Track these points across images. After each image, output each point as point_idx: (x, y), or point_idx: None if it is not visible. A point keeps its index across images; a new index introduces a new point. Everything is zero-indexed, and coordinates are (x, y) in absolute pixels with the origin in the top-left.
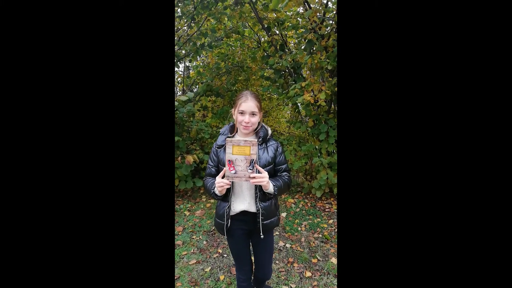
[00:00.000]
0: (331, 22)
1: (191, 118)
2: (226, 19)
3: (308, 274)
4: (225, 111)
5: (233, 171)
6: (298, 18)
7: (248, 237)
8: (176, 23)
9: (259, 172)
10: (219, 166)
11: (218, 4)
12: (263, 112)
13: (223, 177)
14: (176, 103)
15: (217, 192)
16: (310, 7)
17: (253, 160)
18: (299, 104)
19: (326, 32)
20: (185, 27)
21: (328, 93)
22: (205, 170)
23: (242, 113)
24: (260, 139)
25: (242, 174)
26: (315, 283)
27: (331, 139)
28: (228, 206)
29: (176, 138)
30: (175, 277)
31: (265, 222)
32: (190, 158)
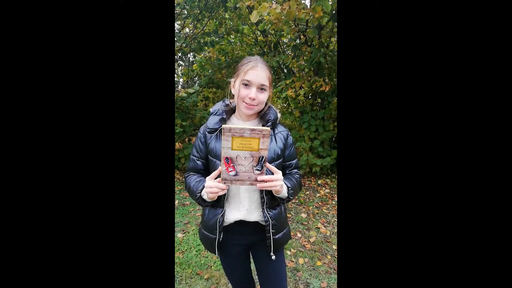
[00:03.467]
0: (314, 28)
1: (195, 107)
2: (227, 18)
3: None
4: None
5: (233, 172)
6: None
7: (247, 252)
8: (183, 22)
9: (270, 173)
10: (208, 157)
11: (220, 8)
12: (272, 91)
13: (216, 178)
14: (184, 94)
15: (206, 198)
16: (296, 25)
17: (262, 157)
18: (288, 98)
19: (307, 38)
20: (190, 25)
21: (307, 90)
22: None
23: (247, 84)
24: (269, 123)
25: (245, 176)
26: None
27: (313, 127)
28: (222, 214)
29: (184, 123)
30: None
31: (277, 236)
32: (194, 140)
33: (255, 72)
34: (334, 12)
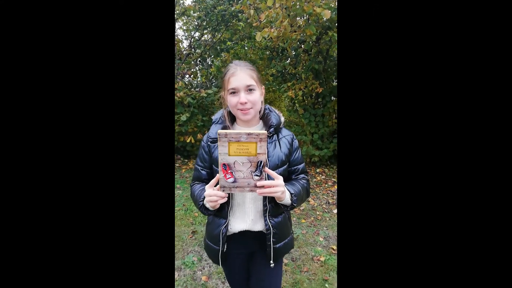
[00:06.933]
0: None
1: (213, 105)
2: (240, 28)
3: None
4: None
5: (231, 179)
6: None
7: (248, 261)
8: (202, 31)
9: (269, 178)
10: (212, 167)
11: (234, 20)
12: (264, 89)
13: (216, 186)
14: (204, 95)
15: (208, 206)
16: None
17: (261, 162)
18: (293, 97)
19: (308, 47)
20: (209, 34)
21: (305, 91)
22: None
23: (233, 92)
24: (272, 128)
25: (244, 182)
26: None
27: (313, 123)
28: (225, 225)
29: (204, 118)
30: None
31: (277, 245)
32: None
33: (236, 77)
34: (330, 24)
